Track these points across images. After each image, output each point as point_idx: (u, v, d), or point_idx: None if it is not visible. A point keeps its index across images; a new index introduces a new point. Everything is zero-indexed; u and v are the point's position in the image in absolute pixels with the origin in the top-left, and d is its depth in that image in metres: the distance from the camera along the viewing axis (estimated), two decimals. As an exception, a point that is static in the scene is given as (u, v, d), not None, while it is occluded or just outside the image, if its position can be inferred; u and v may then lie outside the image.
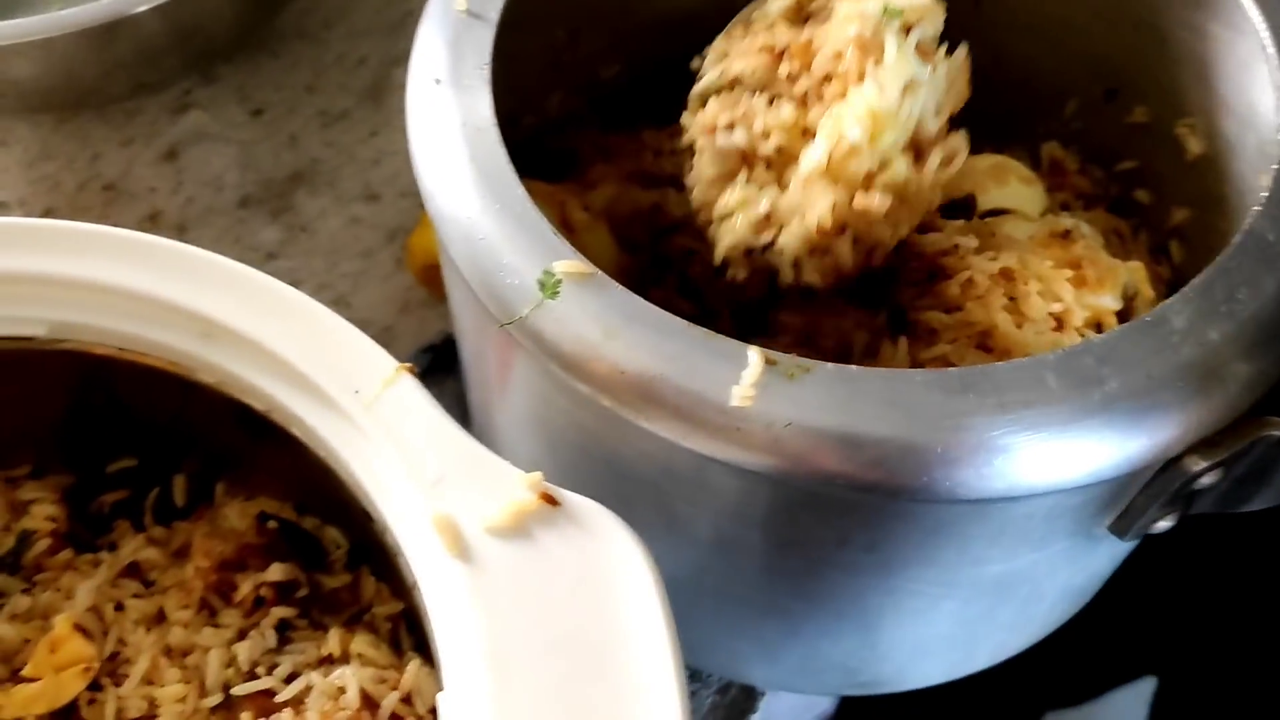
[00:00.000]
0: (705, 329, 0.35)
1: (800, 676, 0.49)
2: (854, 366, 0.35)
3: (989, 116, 0.65)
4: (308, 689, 0.41)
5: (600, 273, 0.37)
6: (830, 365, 0.34)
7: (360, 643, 0.43)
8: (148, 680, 0.42)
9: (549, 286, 0.37)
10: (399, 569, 0.43)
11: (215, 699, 0.41)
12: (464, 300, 0.43)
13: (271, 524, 0.47)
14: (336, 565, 0.48)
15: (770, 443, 0.34)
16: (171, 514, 0.50)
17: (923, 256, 0.51)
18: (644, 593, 0.36)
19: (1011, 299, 0.49)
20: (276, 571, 0.45)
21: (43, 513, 0.48)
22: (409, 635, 0.46)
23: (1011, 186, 0.55)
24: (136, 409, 0.48)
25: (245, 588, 0.45)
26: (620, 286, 0.37)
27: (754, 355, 0.35)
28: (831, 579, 0.40)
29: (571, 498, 0.38)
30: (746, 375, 0.34)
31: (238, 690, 0.41)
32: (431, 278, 0.66)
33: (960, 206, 0.54)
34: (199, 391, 0.45)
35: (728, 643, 0.47)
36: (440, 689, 0.41)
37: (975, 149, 0.60)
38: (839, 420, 0.34)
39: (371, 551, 0.47)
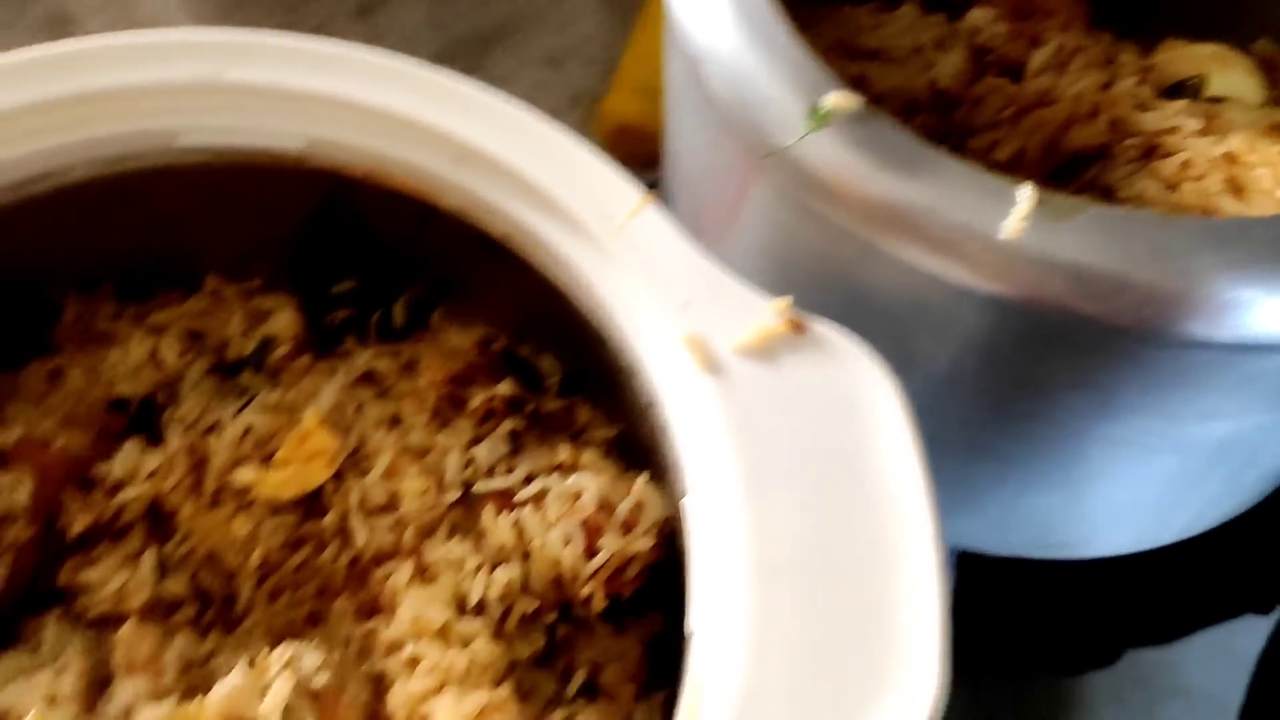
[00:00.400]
0: (974, 164, 0.36)
1: (994, 532, 0.51)
2: (1123, 209, 0.35)
3: (1198, 9, 0.64)
4: (545, 490, 0.43)
5: (869, 105, 0.38)
6: (1101, 206, 0.35)
7: (589, 456, 0.45)
8: (389, 475, 0.45)
9: (817, 118, 0.38)
10: (628, 391, 0.45)
11: (454, 494, 0.44)
12: (709, 138, 0.45)
13: (495, 346, 0.50)
14: (551, 391, 0.51)
15: (1034, 278, 0.35)
16: (390, 337, 0.53)
17: (1139, 134, 0.51)
18: (892, 414, 0.38)
19: (1232, 181, 0.49)
20: (506, 386, 0.48)
21: (282, 320, 0.51)
22: (621, 459, 0.48)
23: (1234, 74, 0.54)
24: (374, 230, 0.51)
25: (477, 400, 0.47)
26: (889, 119, 0.38)
27: (1025, 190, 0.36)
28: (1057, 421, 0.42)
29: (818, 324, 0.40)
30: (1018, 210, 0.35)
31: (479, 488, 0.44)
32: (619, 141, 0.68)
33: (1181, 88, 0.54)
34: (439, 216, 0.48)
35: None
36: (665, 505, 0.44)
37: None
38: (1107, 260, 0.35)
39: (588, 378, 0.50)
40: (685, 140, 0.48)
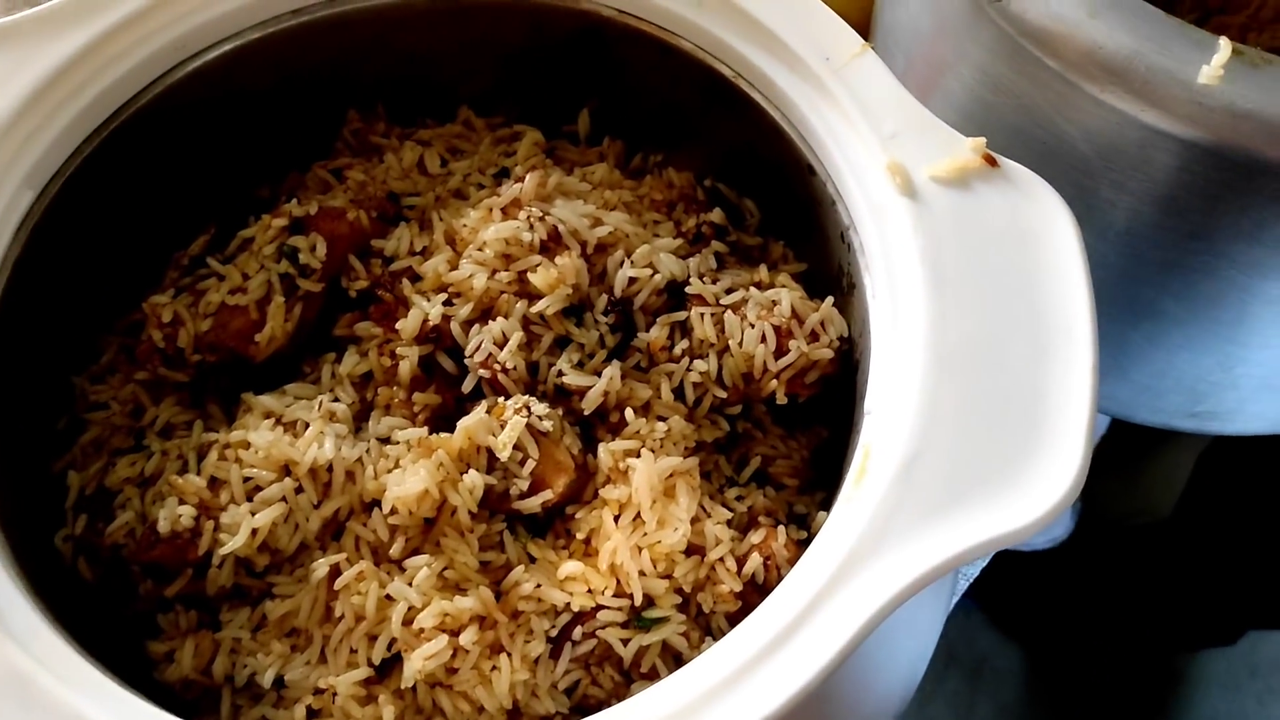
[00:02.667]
0: (1179, 19, 0.40)
1: (1142, 397, 0.54)
2: (1318, 65, 0.38)
3: None
4: (745, 299, 0.50)
5: (1085, -39, 0.41)
6: (1296, 60, 0.38)
7: (783, 278, 0.51)
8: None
9: (1037, -30, 0.42)
10: (826, 221, 0.50)
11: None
12: (926, -2, 0.49)
13: (707, 182, 0.56)
14: (750, 229, 0.56)
15: (1227, 121, 0.38)
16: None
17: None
18: (1068, 244, 0.42)
19: None
20: (718, 215, 0.54)
21: (523, 151, 0.58)
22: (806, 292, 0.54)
23: None
24: (616, 72, 0.57)
25: (690, 222, 0.54)
26: (1103, -27, 0.41)
27: (1223, 42, 0.39)
28: (1223, 278, 0.45)
29: (1009, 163, 0.44)
30: (1216, 59, 0.39)
31: (692, 287, 0.50)
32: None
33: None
34: (675, 57, 0.54)
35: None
36: (845, 326, 0.50)
37: None
38: (1296, 109, 0.38)
39: (783, 220, 0.55)
40: (905, 4, 0.53)
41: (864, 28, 0.63)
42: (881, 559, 0.37)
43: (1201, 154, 0.40)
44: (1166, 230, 0.44)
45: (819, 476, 0.52)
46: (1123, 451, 0.82)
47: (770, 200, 0.56)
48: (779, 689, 0.35)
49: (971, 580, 0.59)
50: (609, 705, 0.44)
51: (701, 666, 0.37)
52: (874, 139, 0.46)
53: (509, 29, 0.58)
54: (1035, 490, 0.38)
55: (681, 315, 0.50)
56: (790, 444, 0.51)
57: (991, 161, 0.44)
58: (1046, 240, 0.42)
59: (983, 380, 0.40)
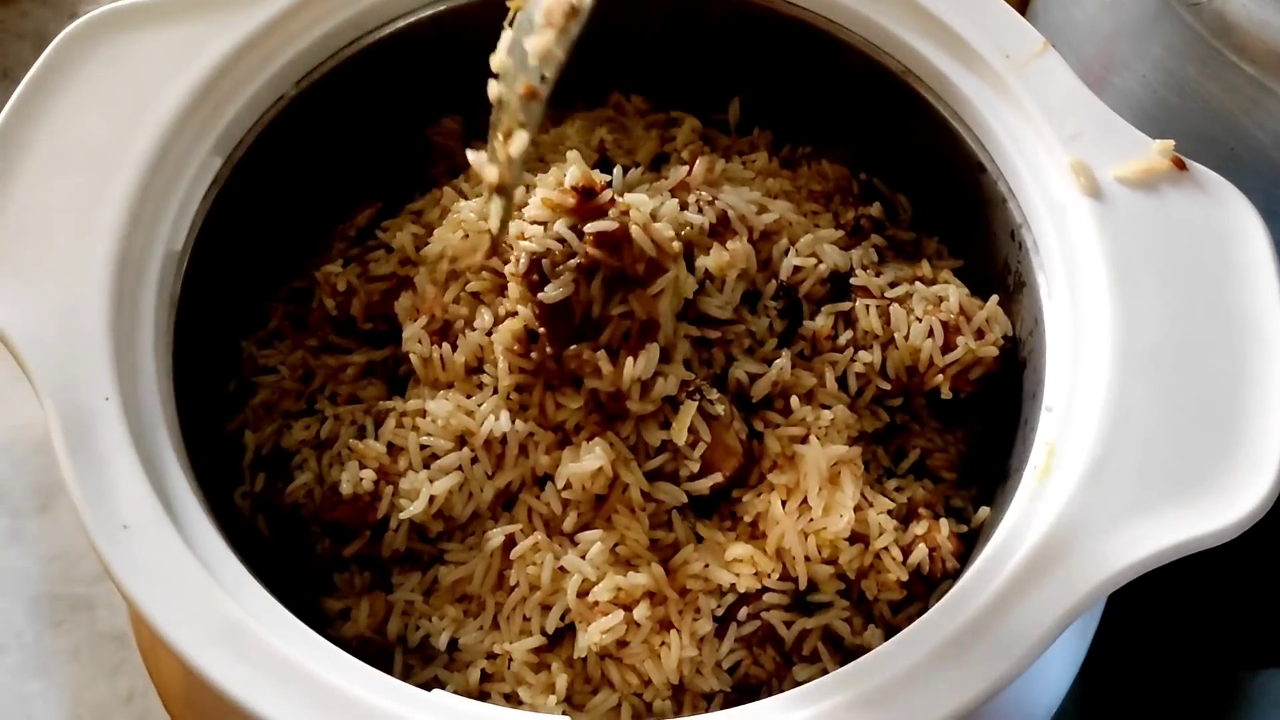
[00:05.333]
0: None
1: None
2: None
3: None
4: (910, 293, 0.50)
5: (1292, -31, 0.41)
6: None
7: (946, 274, 0.52)
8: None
9: (1240, -25, 0.42)
10: (993, 219, 0.51)
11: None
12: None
13: (862, 176, 0.57)
14: (904, 224, 0.57)
15: None
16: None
17: None
18: (1260, 251, 0.42)
19: None
20: (876, 209, 0.54)
21: (683, 136, 0.59)
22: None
23: None
24: (773, 61, 0.57)
25: (848, 215, 0.54)
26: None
27: None
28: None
29: (1198, 167, 0.44)
30: None
31: (857, 279, 0.51)
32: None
33: None
34: (841, 50, 0.54)
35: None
36: (1009, 322, 0.50)
37: None
38: None
39: (939, 215, 0.56)
40: (1081, 4, 0.53)
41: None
42: (1076, 554, 0.38)
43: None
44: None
45: (969, 472, 0.52)
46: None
47: (926, 196, 0.56)
48: (983, 675, 0.36)
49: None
50: (769, 685, 0.45)
51: (906, 643, 0.38)
52: (1054, 139, 0.46)
53: (657, 11, 0.58)
54: (1232, 495, 0.38)
55: (846, 305, 0.50)
56: (947, 437, 0.52)
57: (1180, 165, 0.44)
58: (1238, 246, 0.42)
59: (1174, 384, 0.41)
